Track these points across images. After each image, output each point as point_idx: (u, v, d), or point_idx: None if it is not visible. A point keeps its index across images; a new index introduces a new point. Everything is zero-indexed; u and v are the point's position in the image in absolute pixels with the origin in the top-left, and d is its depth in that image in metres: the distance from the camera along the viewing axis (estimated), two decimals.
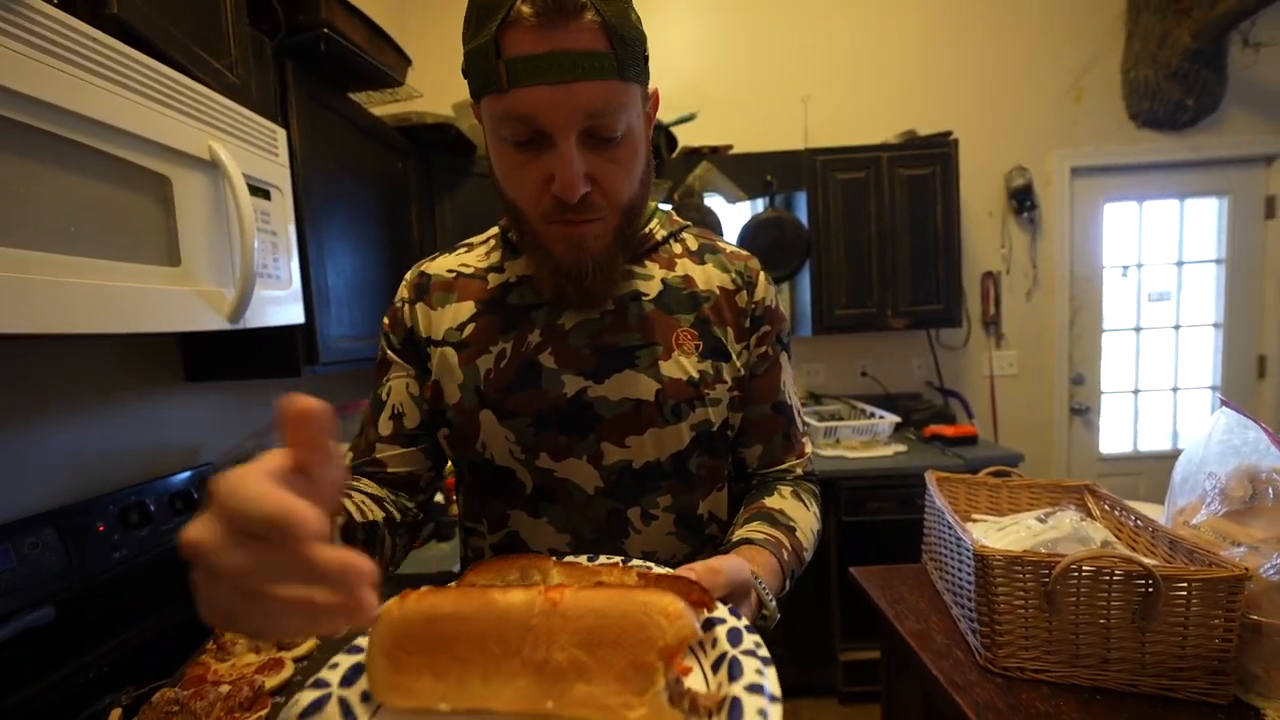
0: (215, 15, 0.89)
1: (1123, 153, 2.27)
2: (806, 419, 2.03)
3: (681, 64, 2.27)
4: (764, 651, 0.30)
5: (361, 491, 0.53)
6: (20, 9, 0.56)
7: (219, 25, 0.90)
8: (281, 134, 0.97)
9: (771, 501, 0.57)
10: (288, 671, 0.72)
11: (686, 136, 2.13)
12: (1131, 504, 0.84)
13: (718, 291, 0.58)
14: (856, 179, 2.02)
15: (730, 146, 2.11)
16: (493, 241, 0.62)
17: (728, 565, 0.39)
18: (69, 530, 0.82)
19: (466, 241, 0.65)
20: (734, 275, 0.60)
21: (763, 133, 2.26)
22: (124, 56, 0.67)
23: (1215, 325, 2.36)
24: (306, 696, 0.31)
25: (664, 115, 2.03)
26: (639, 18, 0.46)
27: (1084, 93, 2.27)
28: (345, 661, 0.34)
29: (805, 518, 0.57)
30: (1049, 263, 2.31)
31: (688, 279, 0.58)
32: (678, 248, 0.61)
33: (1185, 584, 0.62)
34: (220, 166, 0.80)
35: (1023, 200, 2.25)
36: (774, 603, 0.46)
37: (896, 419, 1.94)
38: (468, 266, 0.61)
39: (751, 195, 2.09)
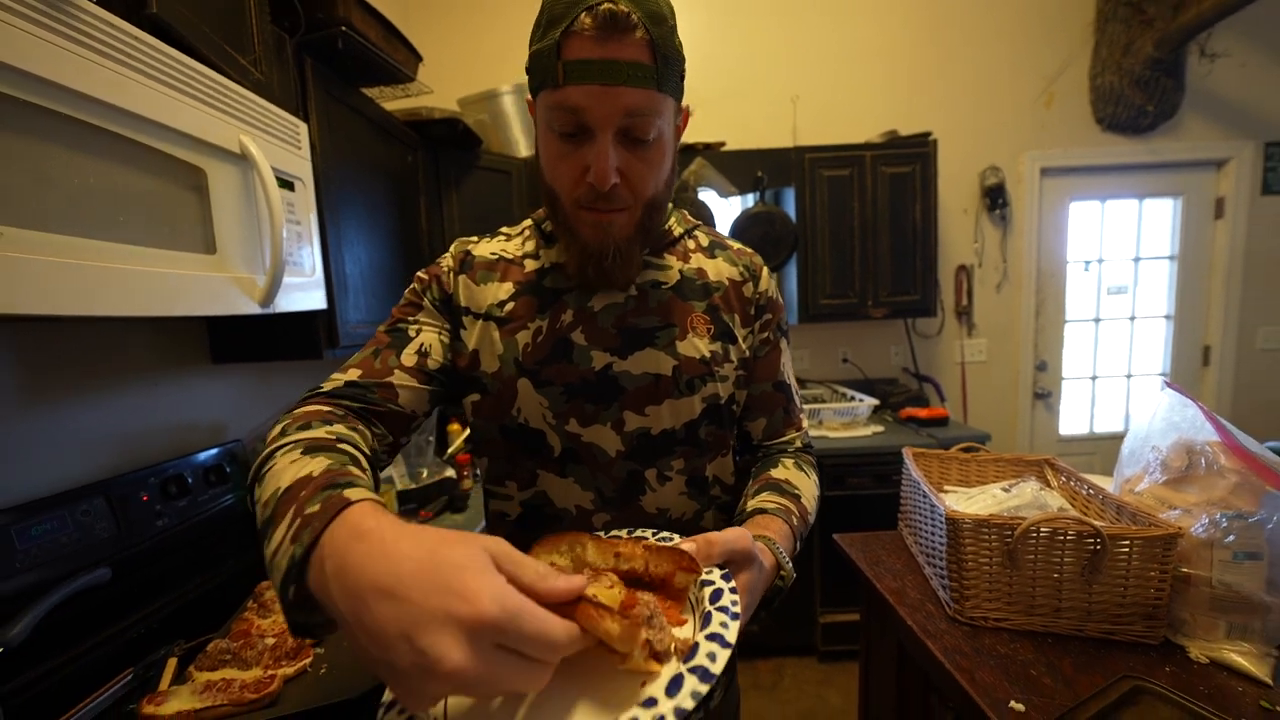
0: (240, 13, 0.89)
1: (1088, 155, 2.32)
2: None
3: None
4: (736, 607, 0.36)
5: (361, 452, 0.46)
6: (70, 8, 0.56)
7: (244, 22, 0.90)
8: (304, 128, 0.98)
9: (777, 473, 0.61)
10: None
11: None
12: (1085, 476, 0.90)
13: (727, 283, 0.63)
14: (842, 176, 2.05)
15: (723, 143, 2.12)
16: (527, 232, 0.66)
17: (724, 536, 0.43)
18: (117, 500, 0.84)
19: (503, 231, 0.68)
20: (741, 269, 0.65)
21: (754, 130, 2.28)
22: (162, 53, 0.68)
23: (1167, 317, 2.44)
24: None
25: None
26: (681, 44, 0.52)
27: (1054, 97, 2.31)
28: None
29: (808, 485, 0.61)
30: (1018, 257, 2.37)
31: (701, 271, 0.63)
32: (692, 243, 0.65)
33: (1128, 542, 0.68)
34: (250, 159, 0.81)
35: (995, 198, 2.30)
36: (790, 563, 0.51)
37: (875, 402, 2.00)
38: (507, 252, 0.64)
39: (743, 190, 2.11)
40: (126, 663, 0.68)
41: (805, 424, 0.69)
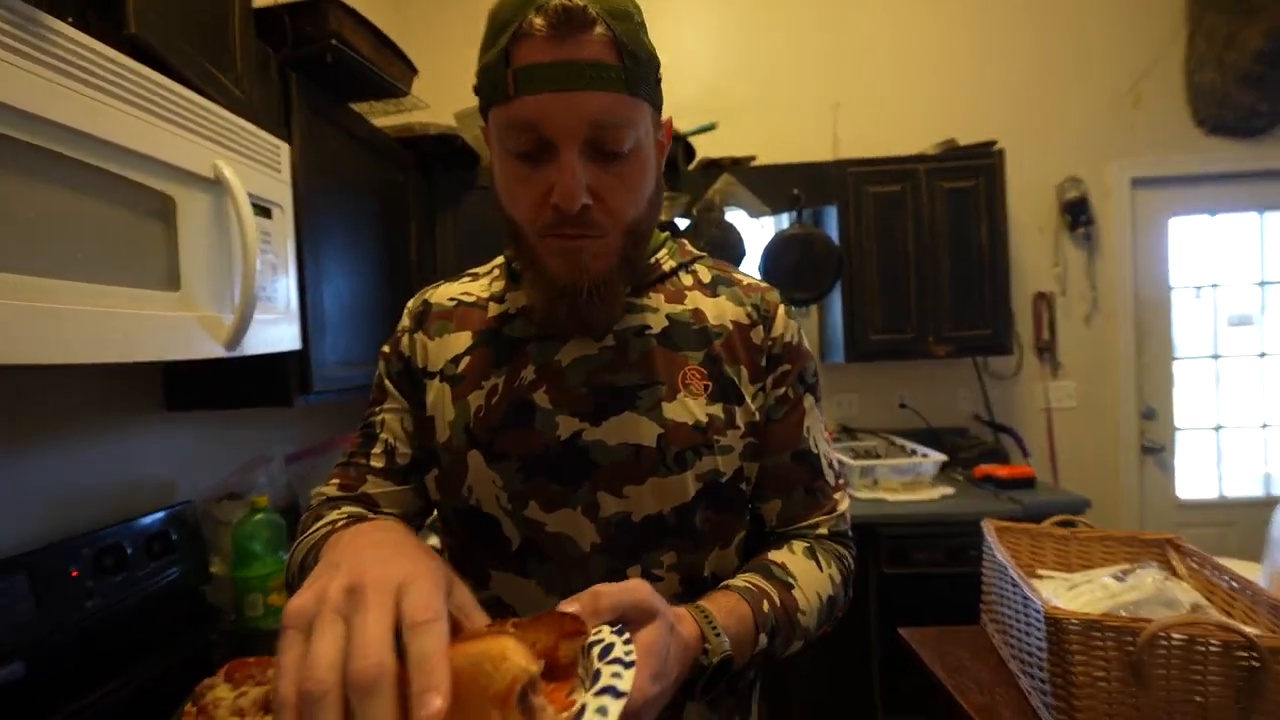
0: (223, 28, 0.96)
1: (1189, 162, 2.31)
2: (841, 457, 2.04)
3: (700, 68, 2.37)
4: (630, 656, 0.34)
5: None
6: (44, 31, 0.62)
7: (226, 38, 0.97)
8: (285, 149, 1.04)
9: (776, 555, 0.57)
10: None
11: (706, 147, 2.20)
12: (1222, 560, 0.84)
13: (730, 326, 0.59)
14: (892, 192, 2.07)
15: (753, 157, 2.18)
16: (497, 271, 0.65)
17: (616, 588, 0.40)
18: (41, 576, 0.85)
19: (472, 270, 0.68)
20: (749, 309, 0.60)
21: (789, 142, 2.33)
22: (136, 75, 0.73)
23: None
24: None
25: (681, 124, 2.11)
26: (652, 45, 0.51)
27: (1143, 97, 2.33)
28: None
29: (813, 577, 0.56)
30: (1109, 283, 2.33)
31: (697, 313, 0.59)
32: (688, 279, 0.62)
33: None
34: (225, 185, 0.85)
35: (1077, 214, 2.29)
36: (722, 639, 0.46)
37: (942, 457, 1.94)
38: (469, 295, 0.63)
39: (776, 210, 2.15)
40: None
41: (842, 504, 0.62)
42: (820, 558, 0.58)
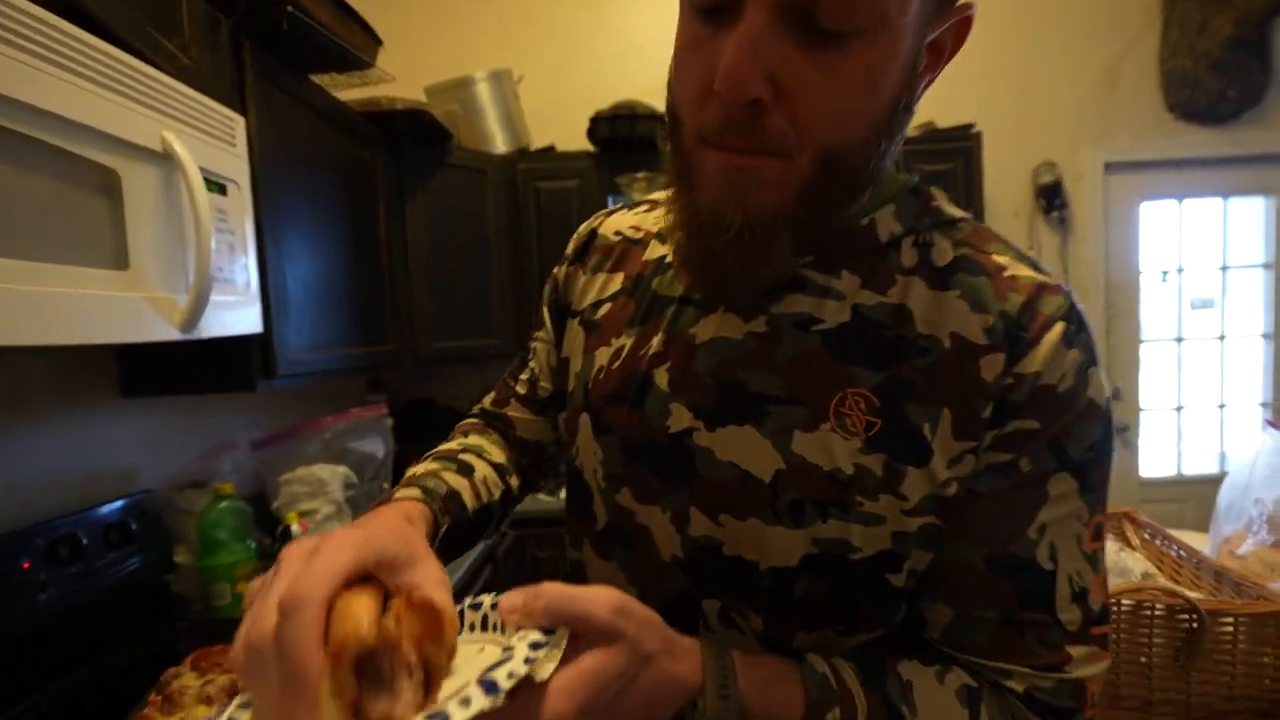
0: None
1: (1160, 147, 2.36)
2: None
3: (661, 50, 2.32)
4: (509, 681, 0.28)
5: (487, 460, 0.57)
6: None
7: (171, 1, 0.92)
8: (240, 122, 0.99)
9: (907, 668, 0.39)
10: None
11: None
12: (1174, 533, 0.87)
13: (947, 344, 0.39)
14: None
15: None
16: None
17: (565, 593, 0.32)
18: None
19: (654, 196, 0.56)
20: (994, 320, 0.38)
21: None
22: (70, 38, 0.69)
23: (1265, 336, 2.44)
24: None
25: (658, 102, 2.07)
26: None
27: (1119, 83, 2.36)
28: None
29: (946, 712, 0.38)
30: (1081, 267, 2.38)
31: (901, 312, 0.40)
32: (911, 256, 0.42)
33: (1232, 619, 0.65)
34: (174, 158, 0.81)
35: (1051, 198, 2.32)
36: (729, 703, 0.35)
37: None
38: (638, 230, 0.53)
39: None
40: None
41: (1083, 669, 0.38)
42: (976, 706, 0.38)
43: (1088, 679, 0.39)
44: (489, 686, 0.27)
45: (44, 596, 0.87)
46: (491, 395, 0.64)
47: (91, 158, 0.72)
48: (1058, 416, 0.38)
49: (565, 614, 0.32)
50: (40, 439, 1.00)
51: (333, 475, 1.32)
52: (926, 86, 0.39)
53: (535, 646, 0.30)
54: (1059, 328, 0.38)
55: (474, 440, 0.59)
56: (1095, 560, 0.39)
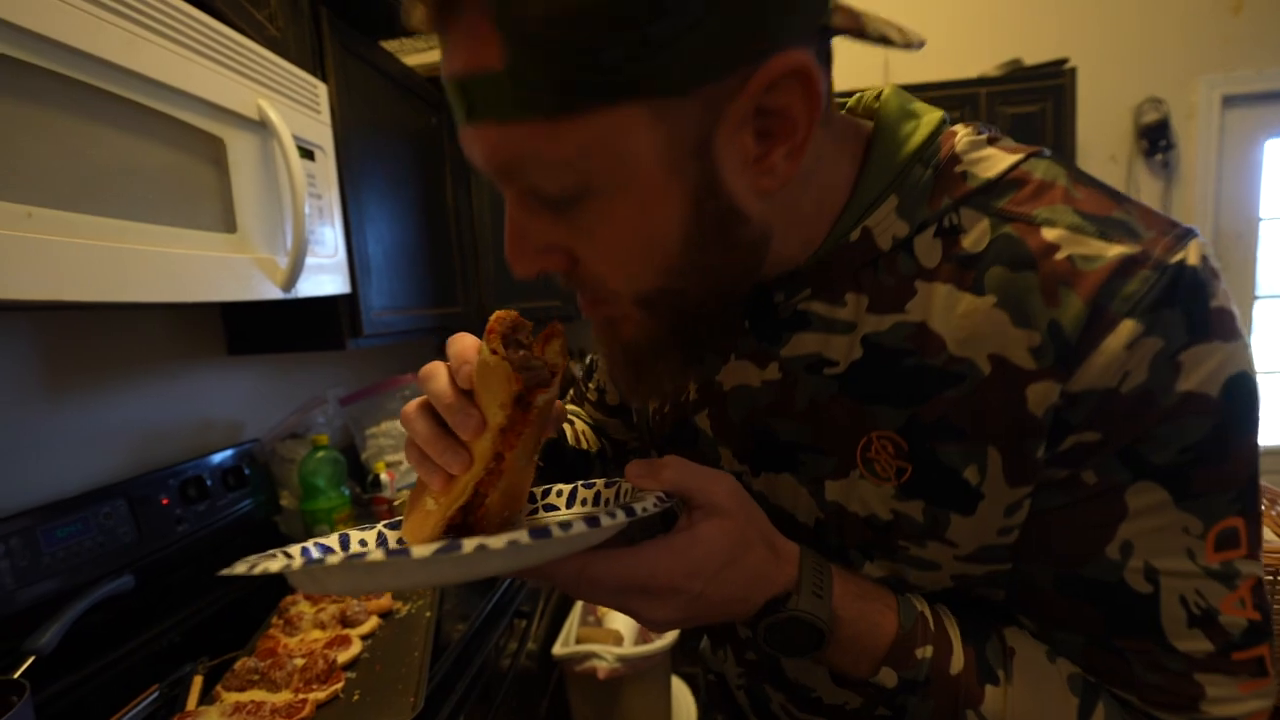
0: None
1: None
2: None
3: None
4: (642, 511, 0.30)
5: (582, 420, 0.61)
6: None
7: None
8: (323, 89, 1.03)
9: (1012, 633, 0.36)
10: (355, 648, 0.80)
11: None
12: None
13: (986, 369, 0.33)
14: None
15: None
16: None
17: (691, 466, 0.34)
18: (138, 502, 0.93)
19: None
20: (1043, 337, 0.31)
21: (837, 67, 2.15)
22: (175, 9, 0.72)
23: None
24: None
25: None
26: None
27: (1245, 2, 2.08)
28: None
29: (1048, 703, 0.34)
30: (1187, 214, 2.16)
31: (922, 333, 0.34)
32: (933, 251, 0.34)
33: None
34: (270, 126, 0.86)
35: (1156, 139, 2.10)
36: (823, 601, 0.34)
37: None
38: None
39: None
40: (150, 677, 0.75)
41: (1229, 708, 0.32)
42: (1100, 711, 0.34)
43: (1239, 719, 0.32)
44: (591, 522, 0.27)
45: (180, 529, 0.98)
46: (570, 392, 0.67)
47: (201, 126, 0.77)
48: (1129, 423, 0.30)
49: (687, 482, 0.33)
50: (164, 392, 1.10)
51: None
52: (794, 157, 0.30)
53: (657, 502, 0.32)
54: (1128, 325, 0.29)
55: (569, 406, 0.64)
56: (1229, 573, 0.31)
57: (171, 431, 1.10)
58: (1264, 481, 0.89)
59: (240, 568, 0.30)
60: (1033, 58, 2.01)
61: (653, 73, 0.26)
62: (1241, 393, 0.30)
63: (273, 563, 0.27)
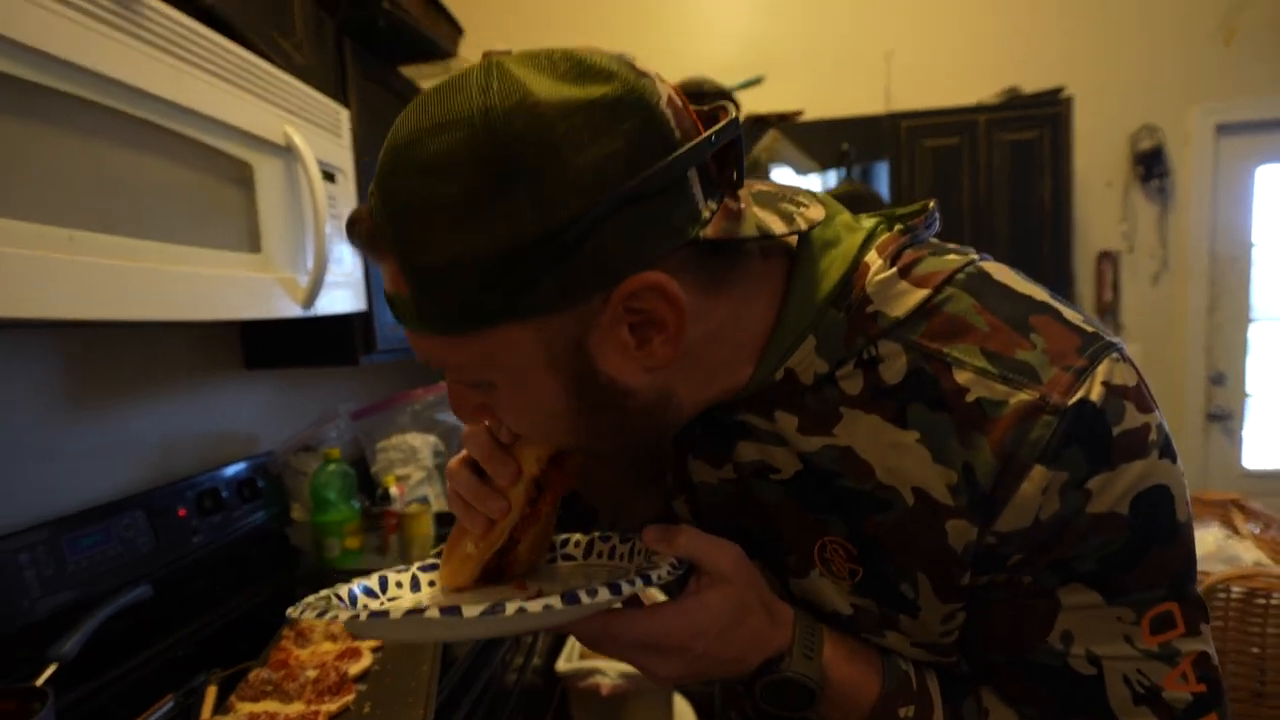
0: None
1: None
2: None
3: (743, 20, 2.27)
4: (657, 578, 0.35)
5: None
6: (137, 5, 0.65)
7: (288, 3, 0.99)
8: (345, 114, 1.06)
9: (989, 695, 0.39)
10: (366, 660, 0.81)
11: (752, 103, 2.13)
12: None
13: (910, 500, 0.35)
14: (949, 146, 1.98)
15: (800, 112, 2.11)
16: None
17: (703, 537, 0.37)
18: (156, 513, 0.94)
19: None
20: (958, 477, 0.34)
21: (838, 95, 2.24)
22: (213, 43, 0.76)
23: None
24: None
25: (727, 79, 2.05)
26: (475, 245, 0.29)
27: (1236, 33, 2.13)
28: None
29: None
30: (1182, 240, 2.20)
31: (849, 458, 0.37)
32: (855, 380, 0.36)
33: None
34: (295, 151, 0.89)
35: (1151, 166, 2.14)
36: (812, 663, 0.37)
37: None
38: None
39: (824, 166, 2.08)
40: (165, 685, 0.76)
41: None
42: None
43: None
44: (614, 589, 0.32)
45: (196, 539, 0.99)
46: None
47: (232, 152, 0.80)
48: (1052, 544, 0.33)
49: (697, 551, 0.37)
50: (182, 405, 1.12)
51: (423, 443, 1.42)
52: (672, 343, 0.32)
53: (670, 570, 0.36)
54: (1039, 470, 0.32)
55: None
56: (1169, 653, 0.33)
57: (189, 444, 1.12)
58: (1259, 505, 0.91)
59: (310, 613, 0.34)
60: (1031, 86, 2.06)
61: (526, 302, 0.30)
62: (1152, 507, 0.33)
63: (342, 611, 0.32)
